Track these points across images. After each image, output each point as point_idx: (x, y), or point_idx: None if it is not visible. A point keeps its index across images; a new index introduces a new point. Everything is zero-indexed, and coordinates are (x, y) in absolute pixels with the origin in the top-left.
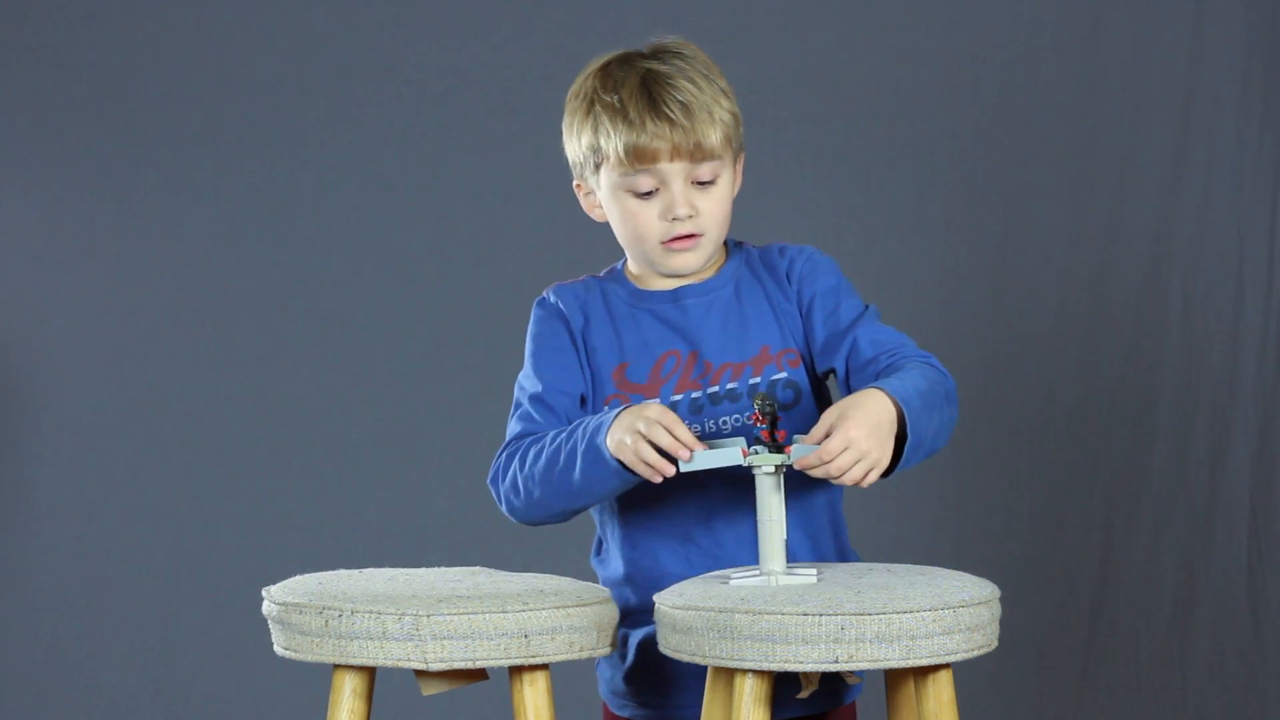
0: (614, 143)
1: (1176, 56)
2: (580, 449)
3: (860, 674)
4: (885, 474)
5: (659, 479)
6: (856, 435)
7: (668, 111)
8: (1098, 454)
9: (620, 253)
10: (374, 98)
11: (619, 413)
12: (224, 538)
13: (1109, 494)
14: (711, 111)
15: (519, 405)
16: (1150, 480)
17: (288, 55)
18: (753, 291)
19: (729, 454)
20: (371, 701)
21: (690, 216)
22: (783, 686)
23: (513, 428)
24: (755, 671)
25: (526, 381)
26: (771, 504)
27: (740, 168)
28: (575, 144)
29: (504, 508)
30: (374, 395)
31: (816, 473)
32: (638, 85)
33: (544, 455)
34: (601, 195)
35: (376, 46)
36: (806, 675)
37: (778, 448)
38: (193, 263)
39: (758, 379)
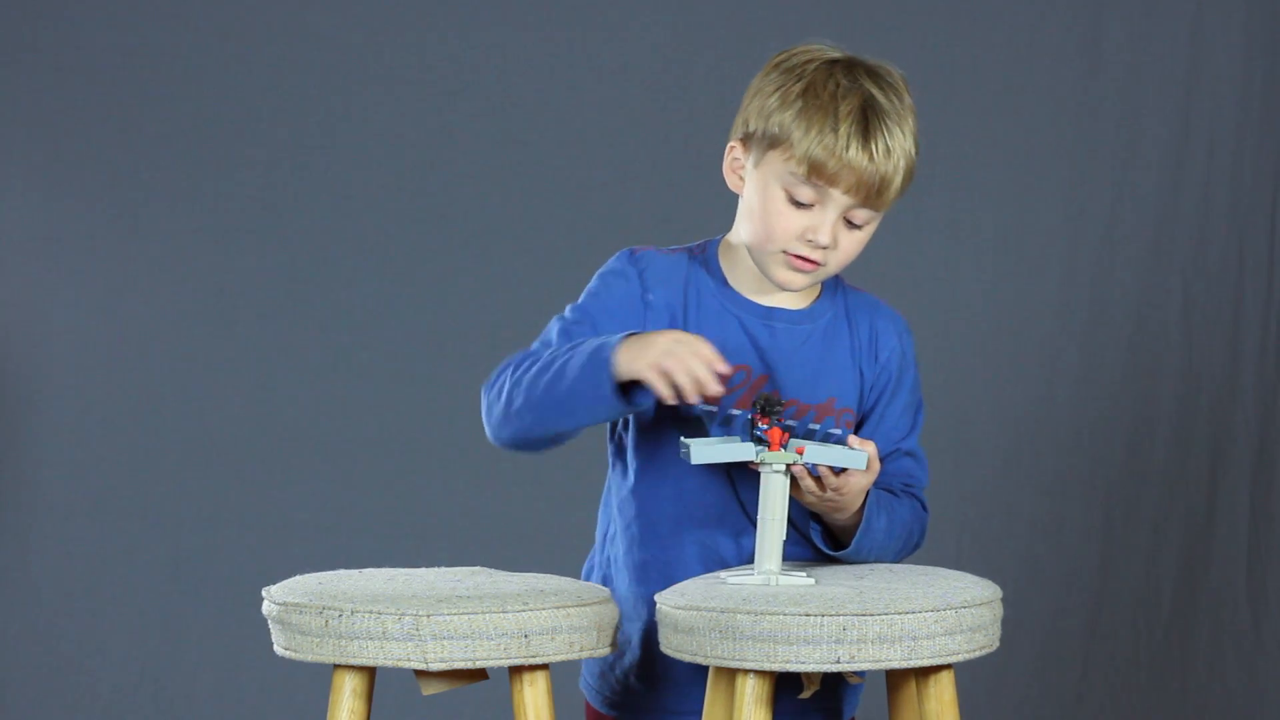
0: (807, 145)
1: (1176, 57)
2: (581, 358)
3: (863, 675)
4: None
5: (697, 399)
6: (866, 484)
7: (873, 148)
8: (1098, 454)
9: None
10: (374, 98)
11: (640, 334)
12: (224, 538)
13: (1109, 494)
14: (904, 162)
15: (549, 328)
16: (1150, 480)
17: (288, 55)
18: (839, 339)
19: (741, 449)
20: (371, 701)
21: (827, 248)
22: (784, 687)
23: (534, 345)
24: (757, 672)
25: (571, 309)
26: (776, 503)
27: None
28: (763, 116)
29: (484, 418)
30: (374, 395)
31: (832, 480)
32: (859, 105)
33: (540, 362)
34: (754, 171)
35: (376, 46)
36: (808, 676)
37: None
38: (192, 262)
39: (817, 426)
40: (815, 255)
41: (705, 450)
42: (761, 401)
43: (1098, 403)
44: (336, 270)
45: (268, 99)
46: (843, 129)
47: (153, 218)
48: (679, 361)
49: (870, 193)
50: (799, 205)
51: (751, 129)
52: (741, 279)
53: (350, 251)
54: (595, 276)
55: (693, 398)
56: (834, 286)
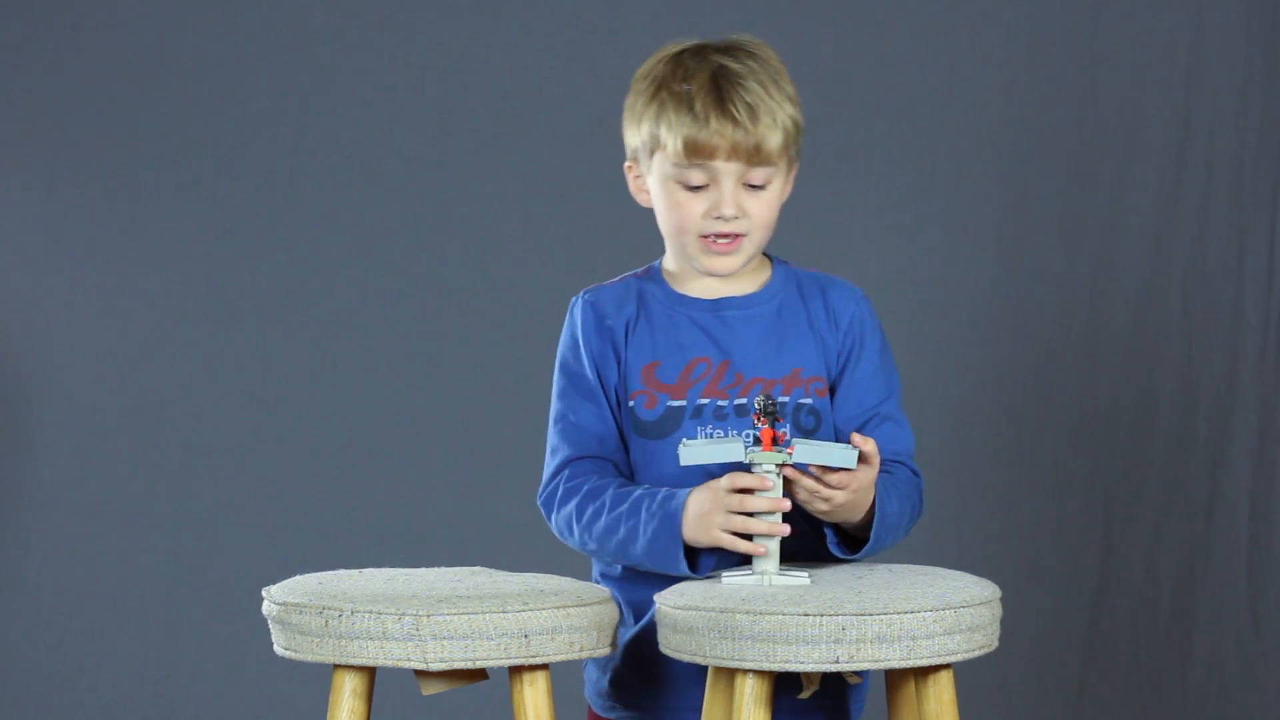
0: (674, 133)
1: (1176, 56)
2: (646, 535)
3: (863, 675)
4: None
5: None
6: (873, 478)
7: (733, 110)
8: (1098, 454)
9: (652, 251)
10: (374, 98)
11: (688, 501)
12: (224, 538)
13: (1109, 494)
14: (775, 117)
15: (563, 418)
16: (1150, 480)
17: (288, 55)
18: (795, 313)
19: (730, 449)
20: (371, 701)
21: (736, 218)
22: (783, 687)
23: (560, 447)
24: (756, 671)
25: (563, 396)
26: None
27: (793, 176)
28: (635, 127)
29: (554, 531)
30: (374, 395)
31: (834, 478)
32: (708, 79)
33: (603, 520)
34: (651, 181)
35: (377, 46)
36: (807, 675)
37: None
38: (193, 262)
39: (786, 398)
40: (729, 228)
41: (695, 452)
42: (762, 402)
43: (1097, 402)
44: (336, 270)
45: (267, 99)
46: (698, 104)
47: (152, 217)
48: (744, 523)
49: (751, 153)
50: (695, 190)
51: (634, 145)
52: (687, 283)
53: (350, 251)
54: (564, 344)
55: (768, 545)
56: (784, 269)
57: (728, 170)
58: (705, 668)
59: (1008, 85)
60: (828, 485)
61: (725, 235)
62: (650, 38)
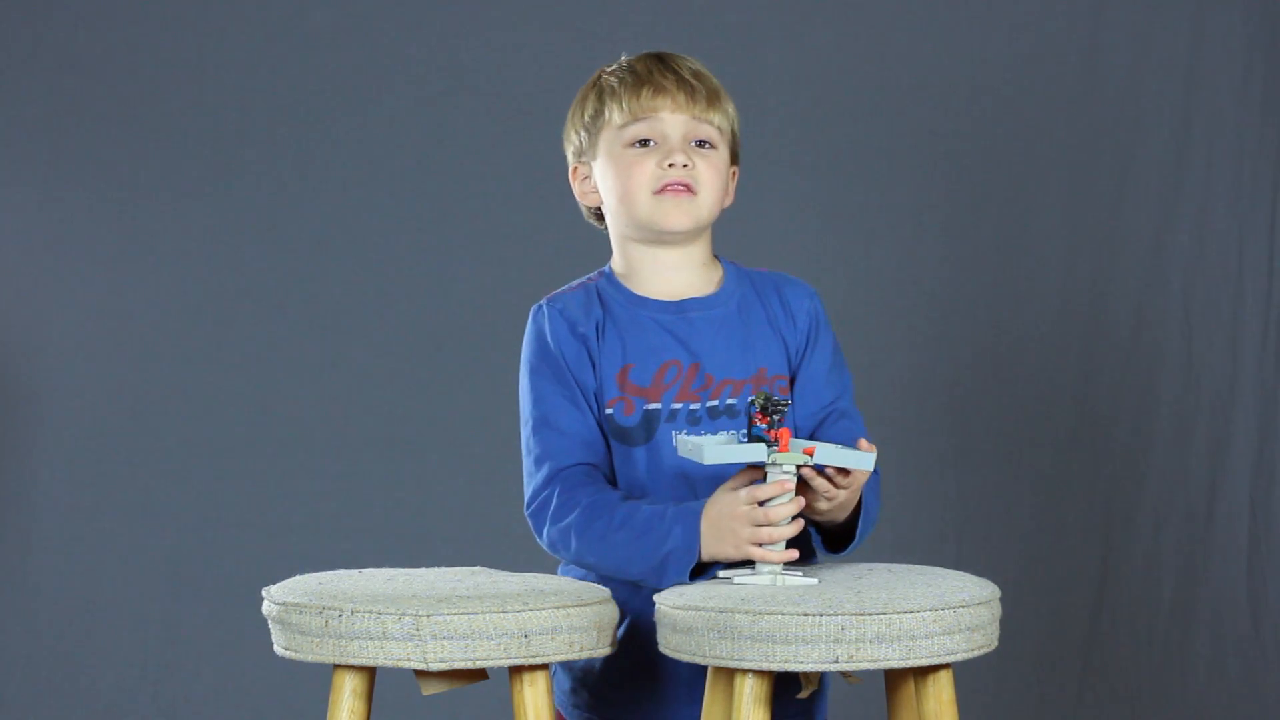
0: (618, 97)
1: (1176, 56)
2: (660, 554)
3: (847, 675)
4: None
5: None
6: (864, 480)
7: (676, 66)
8: (1098, 454)
9: (605, 256)
10: (374, 98)
11: (702, 520)
12: (224, 538)
13: (1109, 494)
14: (719, 91)
15: (544, 425)
16: (1150, 480)
17: (288, 55)
18: (754, 313)
19: (752, 450)
20: (371, 701)
21: (686, 166)
22: (783, 687)
23: (546, 456)
24: (755, 671)
25: (540, 403)
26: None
27: (734, 182)
28: (577, 124)
29: (543, 543)
30: (374, 395)
31: (842, 480)
32: (648, 54)
33: (609, 537)
34: (597, 166)
35: (376, 46)
36: (807, 675)
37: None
38: (193, 262)
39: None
40: (680, 177)
41: (718, 451)
42: (761, 401)
43: (1098, 403)
44: (336, 270)
45: (268, 99)
46: (640, 67)
47: (153, 217)
48: (770, 533)
49: (698, 101)
50: (644, 146)
51: (578, 141)
52: (644, 284)
53: (350, 251)
54: (527, 357)
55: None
56: (734, 268)
57: (674, 122)
58: (685, 675)
59: (1008, 85)
60: (836, 486)
61: (678, 183)
62: (649, 40)
